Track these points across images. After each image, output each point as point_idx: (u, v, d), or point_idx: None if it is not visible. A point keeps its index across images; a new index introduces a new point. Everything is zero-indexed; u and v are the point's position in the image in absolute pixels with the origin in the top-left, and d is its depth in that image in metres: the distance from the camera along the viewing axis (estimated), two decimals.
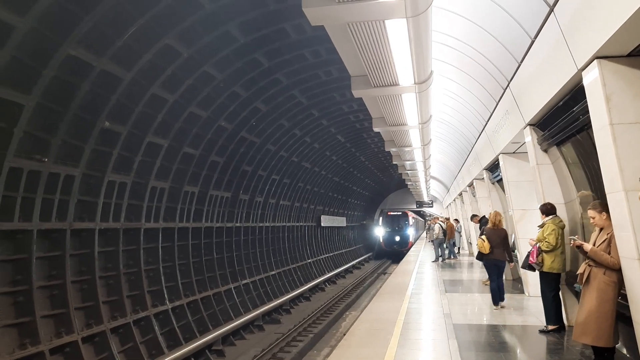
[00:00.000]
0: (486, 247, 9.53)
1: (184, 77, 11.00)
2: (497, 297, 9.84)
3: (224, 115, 13.67)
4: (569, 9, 5.03)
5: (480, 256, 9.93)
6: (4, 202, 8.02)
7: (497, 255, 9.66)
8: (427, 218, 54.48)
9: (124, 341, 11.08)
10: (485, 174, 15.06)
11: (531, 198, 9.95)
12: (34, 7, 6.96)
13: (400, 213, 44.61)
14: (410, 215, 44.48)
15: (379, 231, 44.93)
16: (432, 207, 52.11)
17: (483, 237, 9.67)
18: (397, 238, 42.90)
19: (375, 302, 11.53)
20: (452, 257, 21.84)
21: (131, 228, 11.78)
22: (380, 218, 45.20)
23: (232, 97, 13.33)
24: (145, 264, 12.38)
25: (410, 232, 43.03)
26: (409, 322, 8.77)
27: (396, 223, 43.78)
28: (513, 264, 10.79)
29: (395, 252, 41.24)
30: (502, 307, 9.84)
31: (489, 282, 11.18)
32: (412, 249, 35.43)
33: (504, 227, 10.13)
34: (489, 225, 9.90)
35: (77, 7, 7.56)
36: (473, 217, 13.48)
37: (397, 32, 6.50)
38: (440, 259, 20.82)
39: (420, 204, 51.13)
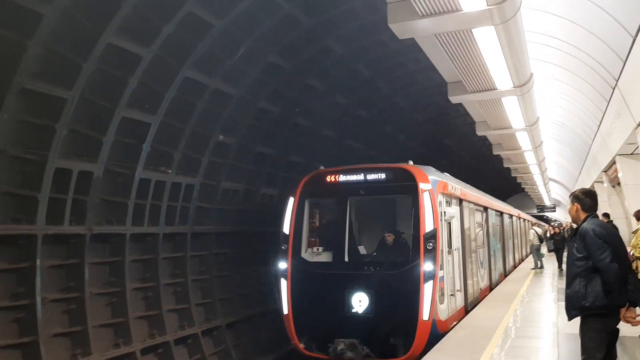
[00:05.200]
0: None
1: (287, 90, 11.73)
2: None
3: (327, 124, 14.23)
4: None
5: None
6: (135, 209, 9.20)
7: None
8: (552, 224, 38.58)
9: (217, 344, 11.25)
10: (604, 177, 14.08)
11: None
12: (157, 39, 7.99)
13: (384, 175, 8.48)
14: (444, 186, 8.85)
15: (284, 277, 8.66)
16: (554, 211, 48.40)
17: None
18: (359, 305, 7.93)
19: (481, 308, 11.27)
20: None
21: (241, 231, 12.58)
22: (289, 209, 8.93)
23: (333, 106, 13.84)
24: None
25: (451, 269, 8.99)
26: (513, 329, 8.54)
27: (367, 221, 10.00)
28: None
29: None
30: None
31: None
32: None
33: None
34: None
35: (192, 35, 8.51)
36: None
37: (486, 39, 6.51)
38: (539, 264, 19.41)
39: (542, 208, 47.51)
